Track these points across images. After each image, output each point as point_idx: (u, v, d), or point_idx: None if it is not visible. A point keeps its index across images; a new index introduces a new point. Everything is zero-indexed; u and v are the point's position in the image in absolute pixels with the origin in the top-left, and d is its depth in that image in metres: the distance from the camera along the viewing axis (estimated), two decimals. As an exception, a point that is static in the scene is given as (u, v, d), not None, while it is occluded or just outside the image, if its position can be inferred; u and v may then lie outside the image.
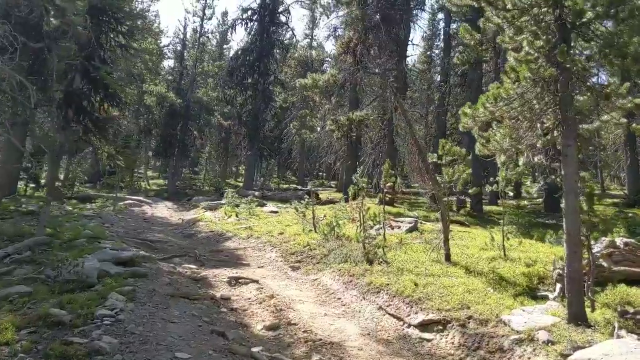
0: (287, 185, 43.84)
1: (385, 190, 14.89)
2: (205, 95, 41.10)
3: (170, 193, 36.44)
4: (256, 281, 10.29)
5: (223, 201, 24.69)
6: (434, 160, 11.36)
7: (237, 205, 22.44)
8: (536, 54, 7.36)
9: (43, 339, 5.69)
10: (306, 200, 18.38)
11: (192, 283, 9.94)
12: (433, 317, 7.72)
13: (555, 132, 7.43)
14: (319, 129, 32.11)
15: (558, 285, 8.41)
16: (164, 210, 28.23)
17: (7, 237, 12.40)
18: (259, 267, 12.42)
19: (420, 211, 20.91)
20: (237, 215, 20.31)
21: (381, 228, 14.27)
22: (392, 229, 14.99)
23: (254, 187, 37.63)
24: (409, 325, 7.88)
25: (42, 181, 35.50)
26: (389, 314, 8.39)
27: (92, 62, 13.28)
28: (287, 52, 42.33)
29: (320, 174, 57.43)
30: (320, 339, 7.29)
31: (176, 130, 38.27)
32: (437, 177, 11.36)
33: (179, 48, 43.71)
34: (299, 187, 38.97)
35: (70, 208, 24.07)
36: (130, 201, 29.50)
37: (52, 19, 13.78)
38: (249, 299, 9.23)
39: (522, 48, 7.58)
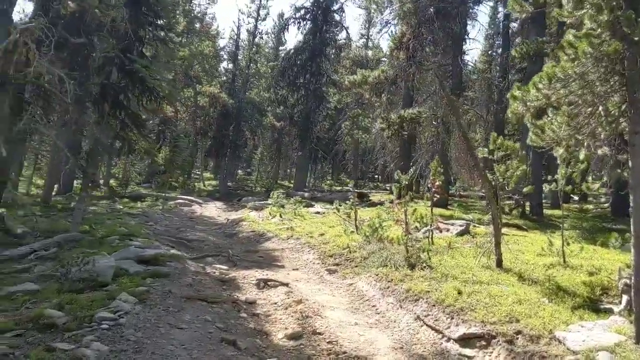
0: (340, 187, 43.10)
1: (433, 189, 13.86)
2: (258, 96, 40.96)
3: (222, 193, 36.39)
4: (286, 284, 9.55)
5: (270, 201, 24.18)
6: (485, 155, 10.27)
7: (282, 206, 21.84)
8: (599, 29, 6.27)
9: (27, 343, 5.14)
10: (350, 201, 17.55)
11: (217, 284, 9.32)
12: (476, 331, 6.72)
13: (621, 118, 6.30)
14: (374, 130, 31.16)
15: (624, 298, 7.21)
16: (212, 210, 28.07)
17: (41, 232, 12.22)
18: (293, 270, 11.69)
19: (475, 214, 19.69)
20: (281, 216, 19.70)
21: (429, 230, 13.29)
22: (441, 231, 13.94)
23: (305, 189, 37.11)
24: (448, 339, 6.91)
25: (101, 180, 36.36)
26: (427, 325, 7.45)
27: (128, 55, 12.95)
28: (340, 52, 41.65)
29: (376, 176, 56.36)
30: (345, 352, 6.46)
31: (228, 131, 38.22)
32: (488, 175, 10.28)
33: (232, 49, 43.68)
34: (352, 189, 38.14)
35: (121, 206, 24.28)
36: (180, 200, 29.55)
37: (96, 10, 13.61)
38: (275, 303, 8.50)
39: (584, 25, 6.50)
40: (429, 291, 8.33)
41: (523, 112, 6.84)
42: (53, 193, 23.89)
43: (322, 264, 11.92)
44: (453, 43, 25.05)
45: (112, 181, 36.52)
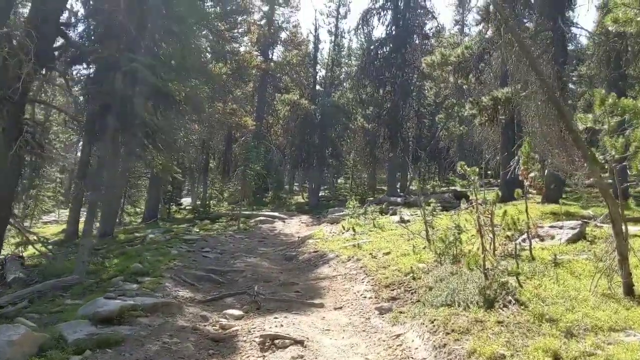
0: (445, 188, 39.10)
1: (528, 182, 10.21)
2: (343, 97, 38.23)
3: (312, 206, 34.04)
4: (301, 342, 6.61)
5: (345, 212, 21.31)
6: (588, 125, 6.66)
7: (359, 217, 18.86)
8: None
9: None
10: (431, 206, 14.23)
11: (202, 349, 6.59)
12: None
13: None
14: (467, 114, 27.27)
15: None
16: (295, 225, 25.73)
17: (44, 276, 10.31)
18: (335, 309, 8.72)
19: (598, 207, 15.49)
20: (354, 230, 16.73)
21: (524, 240, 9.77)
22: (542, 239, 10.27)
23: (401, 193, 33.75)
24: None
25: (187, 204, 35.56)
26: None
27: (129, 54, 10.81)
28: (428, 40, 37.90)
29: (489, 172, 51.29)
30: None
31: (313, 139, 35.87)
32: (596, 154, 6.66)
33: (312, 51, 41.45)
34: (459, 189, 34.20)
35: (197, 229, 22.67)
36: (262, 217, 27.56)
37: None
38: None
39: None
40: (504, 356, 5.02)
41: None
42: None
43: (375, 298, 8.81)
44: (553, 7, 20.70)
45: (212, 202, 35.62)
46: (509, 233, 10.97)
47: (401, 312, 7.78)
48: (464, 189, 30.10)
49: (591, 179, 8.02)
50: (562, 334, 5.43)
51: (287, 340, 6.62)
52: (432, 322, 6.33)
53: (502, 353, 5.08)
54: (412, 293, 8.51)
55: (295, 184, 49.64)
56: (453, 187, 37.23)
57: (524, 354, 4.97)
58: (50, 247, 12.54)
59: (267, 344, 6.67)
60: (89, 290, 8.99)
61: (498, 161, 32.55)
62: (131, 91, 11.14)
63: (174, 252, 14.22)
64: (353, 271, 10.81)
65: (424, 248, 10.88)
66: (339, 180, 50.51)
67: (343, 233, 16.95)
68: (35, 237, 12.28)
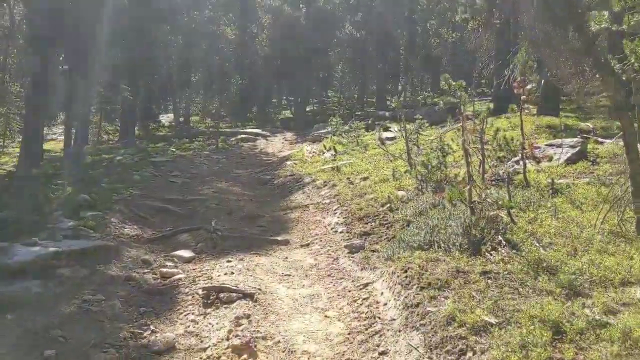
0: (438, 99, 37.48)
1: (524, 96, 8.83)
2: (329, 2, 35.68)
3: (297, 121, 32.50)
4: (251, 296, 5.55)
5: (329, 129, 19.98)
6: (603, 26, 5.22)
7: (342, 134, 17.58)
8: None
9: None
10: (416, 122, 12.99)
11: (134, 305, 5.52)
12: None
13: None
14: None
15: None
16: (278, 144, 24.45)
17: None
18: (301, 246, 7.66)
19: (599, 120, 14.22)
20: (335, 150, 15.46)
21: (516, 163, 8.64)
22: (538, 161, 9.07)
23: (392, 106, 32.25)
24: None
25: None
26: None
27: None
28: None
29: (483, 81, 49.31)
30: None
31: (298, 48, 33.71)
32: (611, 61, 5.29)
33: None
34: (452, 99, 32.63)
35: (174, 149, 21.42)
36: (244, 135, 26.18)
37: None
38: (205, 352, 4.59)
39: None
40: (490, 325, 3.94)
41: None
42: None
43: (347, 232, 7.72)
44: None
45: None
46: (500, 154, 9.85)
47: (373, 252, 6.71)
48: (471, 99, 28.67)
49: (603, 94, 6.70)
50: (564, 291, 4.35)
51: (234, 294, 5.55)
52: (406, 272, 5.22)
53: (488, 321, 4.00)
54: (387, 227, 7.42)
55: (283, 98, 47.79)
56: (448, 98, 35.63)
57: (516, 323, 3.89)
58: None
59: (211, 297, 5.61)
60: (26, 231, 7.84)
61: (492, 70, 30.95)
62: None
63: (136, 177, 13.03)
64: (327, 200, 9.67)
65: (405, 172, 9.69)
66: (328, 93, 48.60)
67: (323, 153, 15.72)
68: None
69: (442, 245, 5.84)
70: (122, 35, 22.54)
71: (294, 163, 15.00)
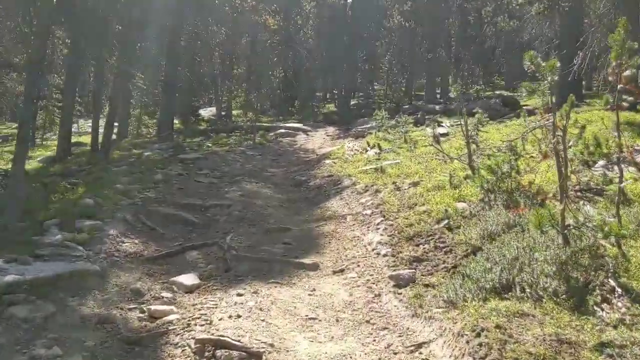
0: (491, 93, 35.11)
1: (620, 85, 6.94)
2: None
3: (341, 116, 30.87)
4: (257, 356, 4.00)
5: (374, 124, 18.26)
6: None
7: (388, 130, 15.89)
8: None
9: None
10: (476, 117, 11.23)
11: (100, 362, 4.08)
12: None
13: None
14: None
15: None
16: (319, 139, 22.92)
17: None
18: (334, 273, 6.07)
19: None
20: (379, 147, 13.77)
21: (606, 168, 6.91)
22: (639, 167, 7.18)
23: (441, 100, 30.26)
24: None
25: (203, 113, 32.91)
26: None
27: None
28: None
29: (537, 74, 46.23)
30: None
31: (343, 40, 32.03)
32: None
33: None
34: (505, 93, 30.42)
35: (210, 144, 20.25)
36: (284, 130, 24.79)
37: None
38: None
39: None
40: None
41: None
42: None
43: (393, 256, 6.06)
44: None
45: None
46: (585, 157, 7.98)
47: (427, 287, 5.07)
48: (513, 94, 26.34)
49: None
50: None
51: (235, 352, 4.02)
52: (479, 335, 3.57)
53: None
54: (445, 253, 5.75)
55: (327, 92, 46.17)
56: (499, 92, 33.35)
57: None
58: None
59: (206, 354, 4.10)
60: (2, 244, 6.57)
61: (554, 60, 28.45)
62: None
63: (158, 176, 11.73)
64: (368, 210, 8.03)
65: (465, 178, 7.95)
66: (374, 86, 46.67)
67: (367, 151, 14.06)
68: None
69: (528, 289, 4.16)
70: (163, 27, 21.50)
71: (333, 162, 13.41)
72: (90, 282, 5.34)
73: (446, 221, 6.44)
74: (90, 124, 21.16)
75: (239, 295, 5.24)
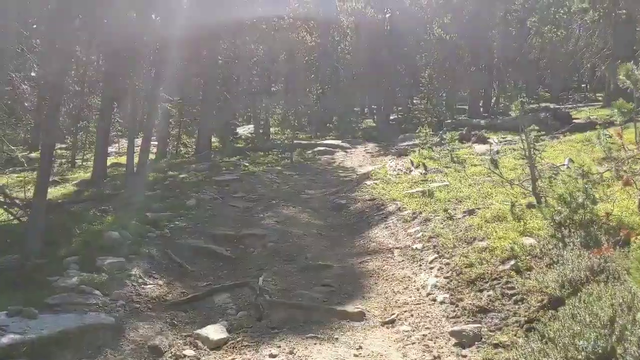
0: (535, 105, 33.63)
1: None
2: (415, 4, 33.02)
3: (381, 131, 29.99)
4: None
5: (417, 142, 17.35)
6: None
7: (432, 148, 14.98)
8: None
9: None
10: (531, 134, 10.20)
11: None
12: None
13: None
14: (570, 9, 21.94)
15: None
16: (358, 156, 22.13)
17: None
18: (383, 324, 5.23)
19: None
20: (424, 167, 12.89)
21: None
22: None
23: (485, 114, 29.12)
24: None
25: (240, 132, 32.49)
26: None
27: None
28: None
29: (583, 85, 44.43)
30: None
31: (382, 53, 31.27)
32: None
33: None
34: (552, 105, 29.03)
35: (247, 163, 19.67)
36: (322, 147, 24.09)
37: None
38: None
39: None
40: None
41: None
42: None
43: (452, 304, 5.20)
44: None
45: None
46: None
47: (498, 348, 4.20)
48: (568, 106, 24.94)
49: None
50: None
51: None
52: None
53: None
54: (516, 302, 4.84)
55: (365, 107, 45.36)
56: (544, 104, 31.85)
57: None
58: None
59: None
60: (14, 285, 5.97)
61: (603, 71, 27.02)
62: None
63: (191, 202, 11.14)
64: (418, 243, 7.16)
65: (529, 207, 7.00)
66: (413, 101, 45.61)
67: (411, 170, 13.17)
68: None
69: (637, 367, 3.24)
70: (200, 45, 21.17)
71: (375, 183, 12.56)
72: (103, 338, 4.66)
73: (513, 261, 5.52)
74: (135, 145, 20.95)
75: (272, 356, 4.45)
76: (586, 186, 5.95)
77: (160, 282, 6.36)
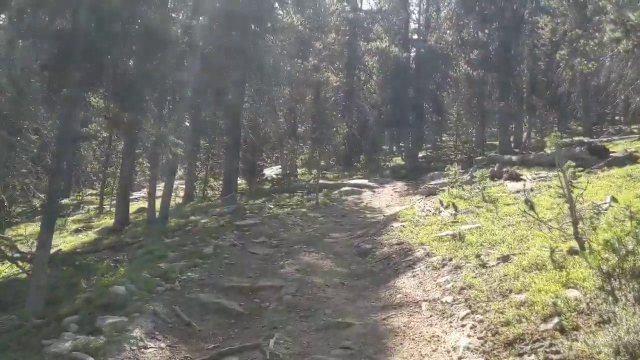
0: (569, 140, 32.65)
1: None
2: (441, 41, 32.73)
3: (409, 170, 29.39)
4: None
5: (446, 180, 16.63)
6: None
7: (462, 186, 14.29)
8: None
9: None
10: (567, 171, 9.49)
11: None
12: None
13: None
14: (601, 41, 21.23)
15: None
16: (386, 196, 21.55)
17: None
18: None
19: None
20: (454, 207, 12.20)
21: None
22: None
23: (516, 149, 28.30)
24: None
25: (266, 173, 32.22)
26: None
27: None
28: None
29: (616, 117, 43.18)
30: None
31: (408, 91, 30.94)
32: None
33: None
34: (586, 139, 28.05)
35: (272, 205, 19.22)
36: (348, 187, 23.58)
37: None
38: None
39: None
40: None
41: None
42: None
43: (488, 372, 4.51)
44: None
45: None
46: None
47: None
48: (602, 139, 24.05)
49: None
50: None
51: None
52: None
53: None
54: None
55: (393, 145, 44.87)
56: (578, 138, 30.86)
57: None
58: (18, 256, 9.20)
59: None
60: (18, 348, 5.52)
61: (638, 102, 26.06)
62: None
63: (208, 249, 10.66)
64: (448, 295, 6.47)
65: (570, 253, 6.28)
66: (442, 138, 44.98)
67: (440, 211, 12.50)
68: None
69: None
70: (225, 90, 21.09)
71: (403, 225, 11.91)
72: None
73: (556, 319, 4.81)
74: (162, 188, 20.72)
75: None
76: (636, 230, 5.25)
77: (163, 345, 5.80)
